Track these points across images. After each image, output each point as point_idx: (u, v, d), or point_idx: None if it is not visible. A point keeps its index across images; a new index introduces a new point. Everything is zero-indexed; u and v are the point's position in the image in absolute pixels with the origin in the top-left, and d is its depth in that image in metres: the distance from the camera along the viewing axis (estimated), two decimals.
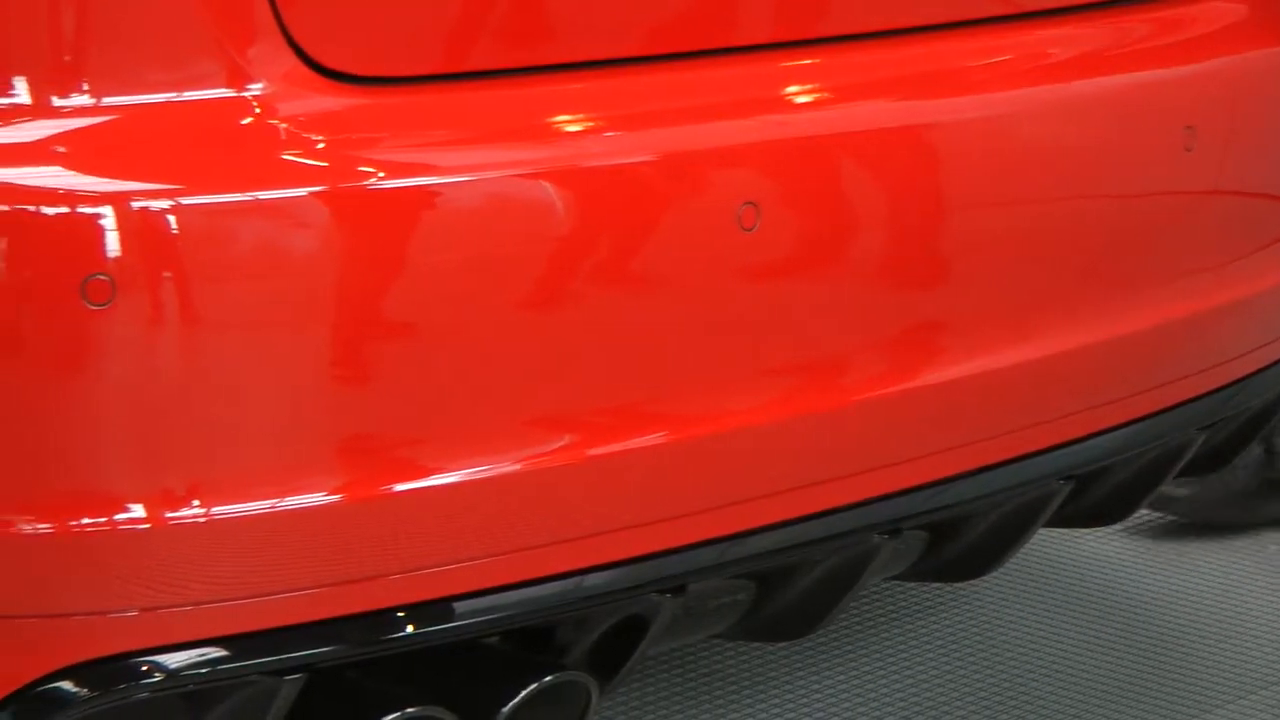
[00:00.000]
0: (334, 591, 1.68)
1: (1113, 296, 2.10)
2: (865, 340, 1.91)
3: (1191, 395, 2.20)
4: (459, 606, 1.73)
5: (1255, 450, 2.85)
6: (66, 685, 1.60)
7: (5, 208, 1.54)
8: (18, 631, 1.60)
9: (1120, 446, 2.16)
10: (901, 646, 2.75)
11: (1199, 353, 2.21)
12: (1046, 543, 3.02)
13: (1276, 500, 3.17)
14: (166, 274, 1.56)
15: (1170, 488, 2.78)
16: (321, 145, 1.66)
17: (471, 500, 1.71)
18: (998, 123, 2.04)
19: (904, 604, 2.87)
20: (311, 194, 1.64)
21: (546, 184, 1.75)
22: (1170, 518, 3.20)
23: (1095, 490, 2.22)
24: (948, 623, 2.82)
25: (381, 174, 1.67)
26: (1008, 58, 2.08)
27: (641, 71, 1.84)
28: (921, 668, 2.70)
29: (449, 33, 1.75)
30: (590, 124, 1.82)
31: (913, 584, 2.78)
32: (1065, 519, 2.36)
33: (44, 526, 1.57)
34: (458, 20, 1.75)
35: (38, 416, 1.57)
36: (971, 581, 2.64)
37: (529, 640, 1.87)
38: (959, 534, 2.10)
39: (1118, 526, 2.98)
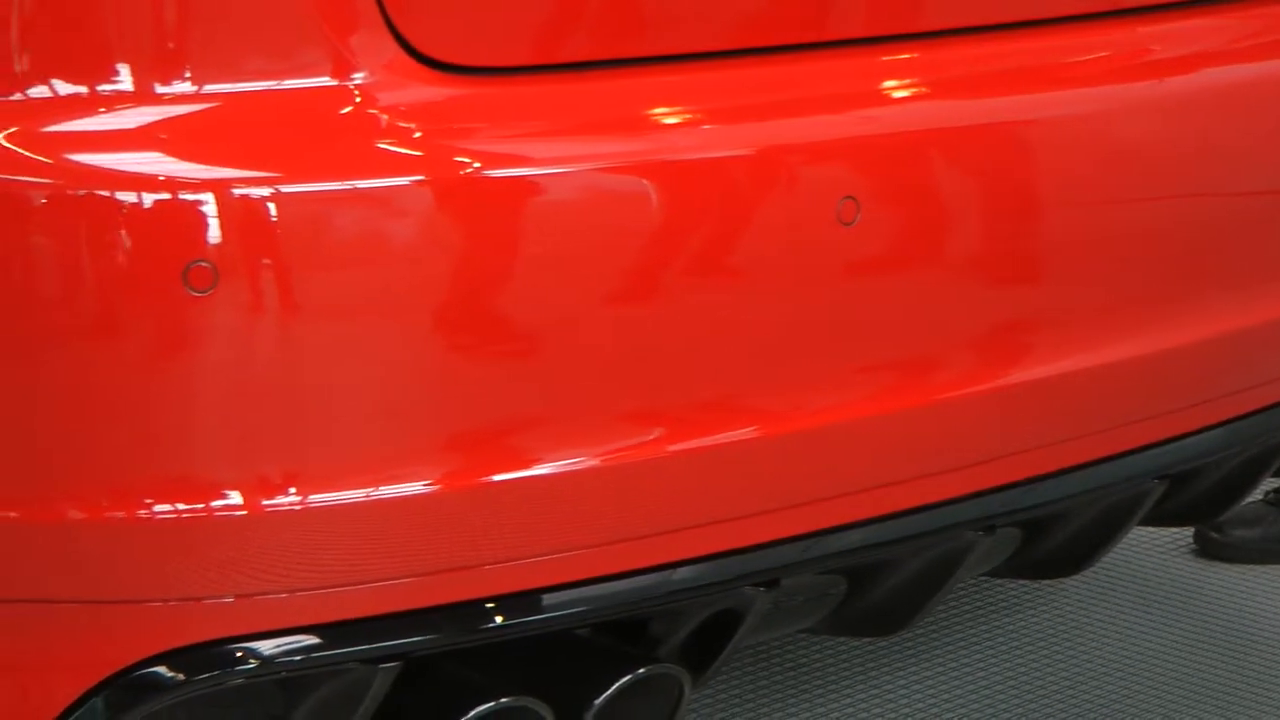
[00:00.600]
0: (429, 581, 1.67)
1: (1211, 294, 2.08)
2: (961, 337, 1.90)
3: None
4: (552, 598, 1.73)
5: None
6: (161, 670, 1.61)
7: (108, 193, 1.55)
8: (114, 616, 1.61)
9: (1217, 446, 2.13)
10: (988, 642, 2.75)
11: None
12: (1136, 541, 2.99)
13: None
14: (266, 261, 1.56)
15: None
16: (420, 134, 1.66)
17: (565, 492, 1.71)
18: (1097, 119, 2.02)
19: (991, 600, 2.86)
20: (410, 183, 1.64)
21: (644, 177, 1.74)
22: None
23: (1190, 489, 2.19)
24: (1034, 620, 2.82)
25: (478, 164, 1.66)
26: (1107, 53, 2.06)
27: (740, 65, 1.83)
28: (1007, 664, 2.69)
29: (547, 24, 1.74)
30: (688, 117, 1.82)
31: (1001, 580, 2.75)
32: (1158, 518, 2.32)
33: (141, 512, 1.57)
34: (556, 11, 1.75)
35: (136, 402, 1.57)
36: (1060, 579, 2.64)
37: (623, 633, 1.87)
38: (1053, 531, 2.08)
39: None
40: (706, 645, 1.91)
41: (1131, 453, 2.04)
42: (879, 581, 1.99)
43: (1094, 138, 2.00)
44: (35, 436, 1.58)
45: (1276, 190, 2.14)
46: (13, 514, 1.58)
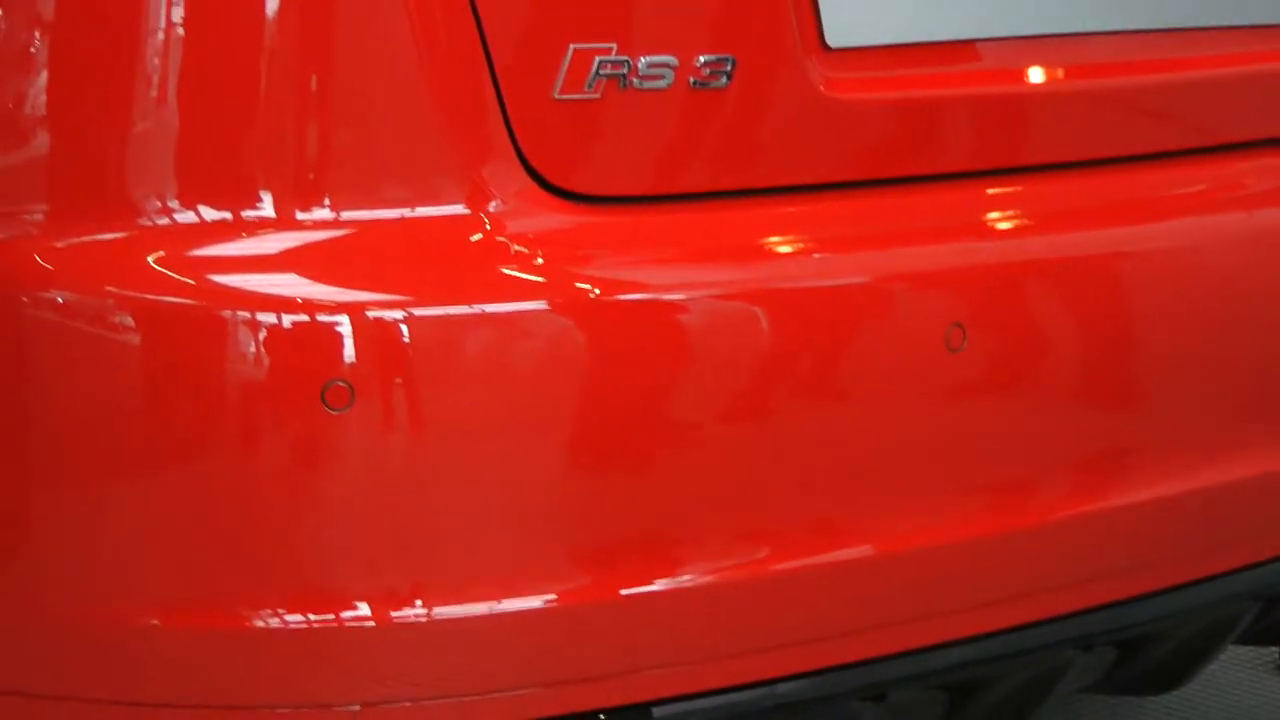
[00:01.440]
0: (548, 692, 1.68)
1: None
2: (1063, 460, 1.90)
3: None
4: (662, 710, 1.73)
5: None
6: None
7: (249, 315, 1.57)
8: None
9: None
10: None
11: None
12: (1224, 657, 2.94)
13: None
14: (399, 380, 1.58)
15: None
16: (546, 260, 1.68)
17: (676, 608, 1.71)
18: (1195, 252, 2.02)
19: (1078, 715, 2.84)
20: (535, 307, 1.66)
21: (761, 303, 1.75)
22: None
23: None
24: None
25: (600, 289, 1.68)
26: (1203, 188, 2.07)
27: (852, 196, 1.85)
28: None
29: (669, 156, 1.75)
30: (802, 246, 1.83)
31: (1089, 695, 2.72)
32: (1250, 637, 2.31)
33: (273, 621, 1.58)
34: (677, 144, 1.76)
35: (272, 515, 1.59)
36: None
37: None
38: (1149, 650, 2.07)
39: None
40: None
41: (1229, 574, 2.04)
42: (979, 697, 1.98)
43: (1187, 270, 1.99)
44: (174, 546, 1.59)
45: None
46: (154, 620, 1.59)
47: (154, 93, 1.60)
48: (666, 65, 1.70)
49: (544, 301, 1.67)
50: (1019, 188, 1.94)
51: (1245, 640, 2.29)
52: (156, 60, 1.60)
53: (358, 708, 1.63)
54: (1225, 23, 2.09)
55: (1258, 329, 2.04)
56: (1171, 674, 2.18)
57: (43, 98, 1.61)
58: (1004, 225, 1.94)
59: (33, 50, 1.60)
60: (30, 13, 1.60)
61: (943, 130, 1.92)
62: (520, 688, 1.68)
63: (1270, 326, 2.04)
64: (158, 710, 1.63)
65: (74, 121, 1.61)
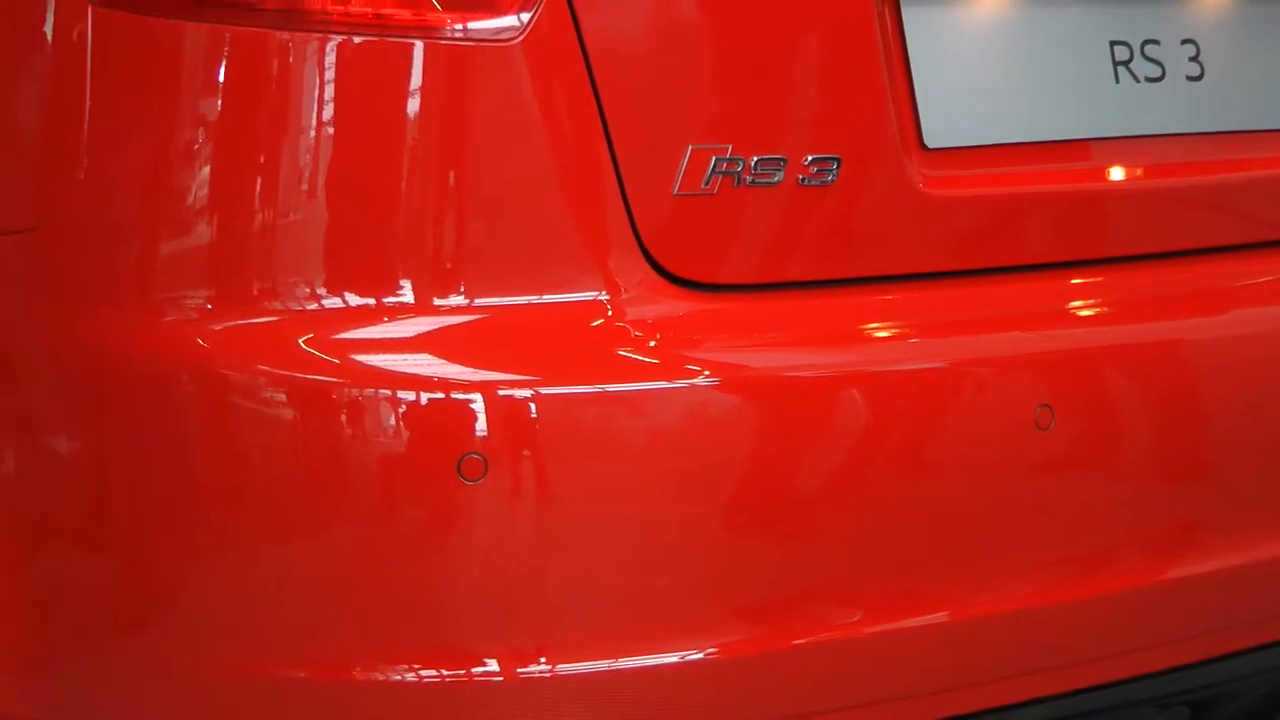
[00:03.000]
0: None
1: None
2: (1141, 532, 1.90)
3: None
4: None
5: None
6: None
7: (390, 392, 1.60)
8: None
9: None
10: None
11: None
12: None
13: None
14: (527, 454, 1.61)
15: None
16: (663, 343, 1.70)
17: (772, 668, 1.71)
18: (1260, 339, 2.02)
19: None
20: (651, 387, 1.69)
21: (861, 385, 1.77)
22: None
23: None
24: None
25: (709, 372, 1.70)
26: (1271, 279, 2.07)
27: (946, 285, 1.86)
28: None
29: (776, 248, 1.77)
30: (899, 331, 1.84)
31: None
32: None
33: (410, 676, 1.61)
34: (784, 237, 1.77)
35: (410, 579, 1.61)
36: None
37: None
38: (1217, 709, 2.09)
39: None
40: None
41: None
42: None
43: (1256, 355, 2.00)
44: (319, 605, 1.62)
45: None
46: (301, 674, 1.62)
47: (304, 189, 1.63)
48: (777, 163, 1.73)
49: (660, 382, 1.70)
50: (1099, 278, 1.95)
51: None
52: (308, 159, 1.63)
53: None
54: (1271, 126, 2.09)
55: None
56: None
57: (203, 193, 1.63)
58: (1085, 313, 1.95)
59: (195, 149, 1.63)
60: (193, 114, 1.63)
61: (1029, 224, 1.93)
62: None
63: None
64: None
65: (230, 215, 1.64)
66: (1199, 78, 2.00)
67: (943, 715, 1.84)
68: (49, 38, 1.68)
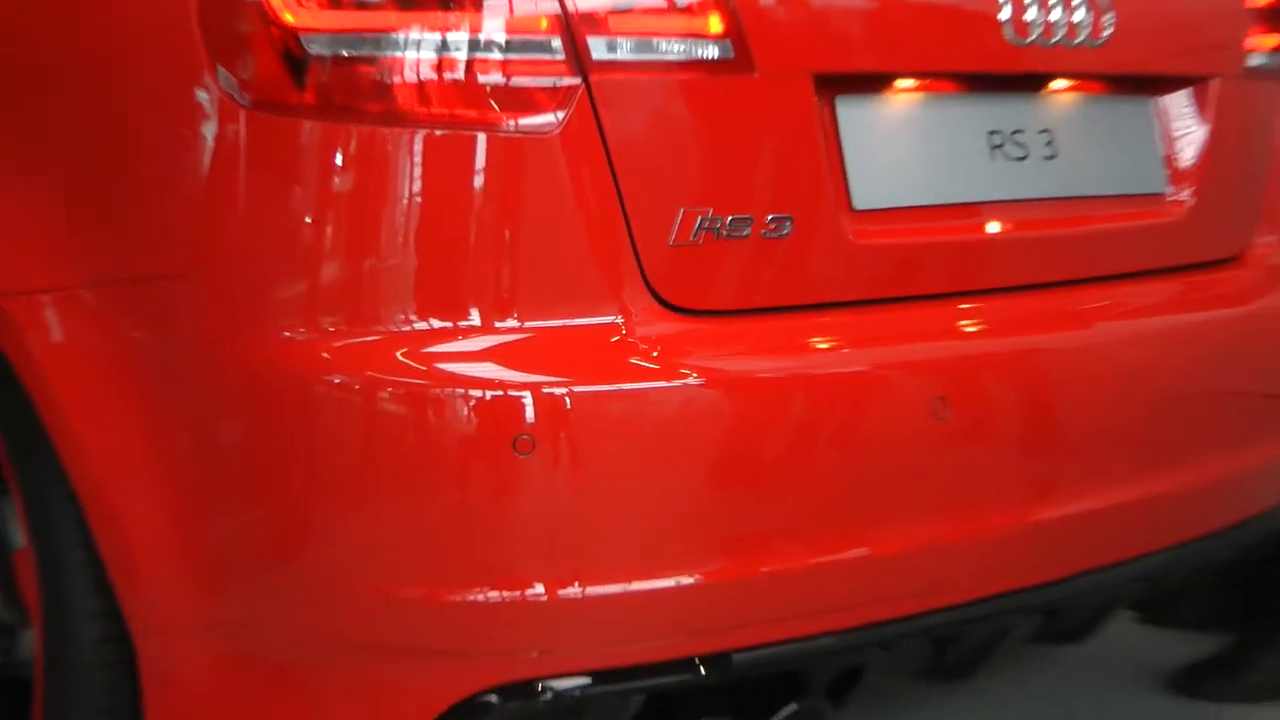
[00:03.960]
0: (660, 644, 1.75)
1: (1163, 466, 2.08)
2: (1011, 488, 1.92)
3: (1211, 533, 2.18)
4: (740, 657, 1.78)
5: None
6: (490, 699, 1.70)
7: (464, 391, 1.67)
8: (465, 664, 1.71)
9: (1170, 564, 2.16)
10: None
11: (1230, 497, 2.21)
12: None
13: None
14: (564, 434, 1.67)
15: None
16: (660, 354, 1.74)
17: (746, 589, 1.76)
18: (1105, 346, 2.05)
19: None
20: (653, 386, 1.74)
21: (808, 385, 1.80)
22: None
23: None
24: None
25: (695, 374, 1.75)
26: (1108, 303, 2.09)
27: (869, 310, 1.89)
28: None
29: (745, 283, 1.80)
30: (833, 343, 1.86)
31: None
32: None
33: (481, 597, 1.68)
34: (750, 275, 1.80)
35: (477, 528, 1.68)
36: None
37: (792, 676, 1.89)
38: (1063, 617, 2.12)
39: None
40: (840, 690, 1.96)
41: (1116, 566, 2.04)
42: (951, 648, 2.01)
43: (1097, 357, 2.03)
44: (420, 544, 1.68)
45: (1212, 393, 2.16)
46: (409, 593, 1.69)
47: (399, 242, 1.68)
48: (746, 221, 1.78)
49: (660, 382, 1.74)
50: (980, 303, 1.97)
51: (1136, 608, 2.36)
52: (402, 220, 1.69)
53: (535, 654, 1.71)
54: (1107, 191, 2.12)
55: (1136, 391, 2.04)
56: (1075, 634, 2.26)
57: (325, 246, 1.69)
58: (970, 329, 1.97)
59: (320, 214, 1.68)
60: (318, 188, 1.69)
61: (930, 265, 1.96)
62: (641, 641, 1.74)
63: (1143, 389, 2.05)
64: (406, 655, 1.71)
65: (345, 262, 1.69)
66: (1053, 157, 2.05)
67: (863, 621, 1.85)
68: (214, 129, 1.72)
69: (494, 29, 1.68)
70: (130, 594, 1.80)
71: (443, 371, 1.68)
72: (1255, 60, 2.27)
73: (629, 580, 1.70)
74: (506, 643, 1.71)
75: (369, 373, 1.67)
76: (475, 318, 1.69)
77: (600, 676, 1.73)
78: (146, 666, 1.81)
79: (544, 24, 1.68)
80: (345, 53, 1.68)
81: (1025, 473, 1.94)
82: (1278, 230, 2.34)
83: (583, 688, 1.72)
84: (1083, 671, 2.71)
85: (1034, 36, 1.96)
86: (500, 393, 1.66)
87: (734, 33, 1.75)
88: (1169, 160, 2.18)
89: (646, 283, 1.73)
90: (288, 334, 1.69)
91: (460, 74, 1.67)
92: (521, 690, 1.71)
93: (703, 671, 1.75)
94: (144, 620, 1.80)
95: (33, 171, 1.88)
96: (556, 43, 1.69)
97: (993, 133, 1.98)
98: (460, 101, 1.68)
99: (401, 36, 1.67)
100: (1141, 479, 2.04)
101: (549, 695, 1.71)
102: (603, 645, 1.73)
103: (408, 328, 1.68)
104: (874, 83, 1.91)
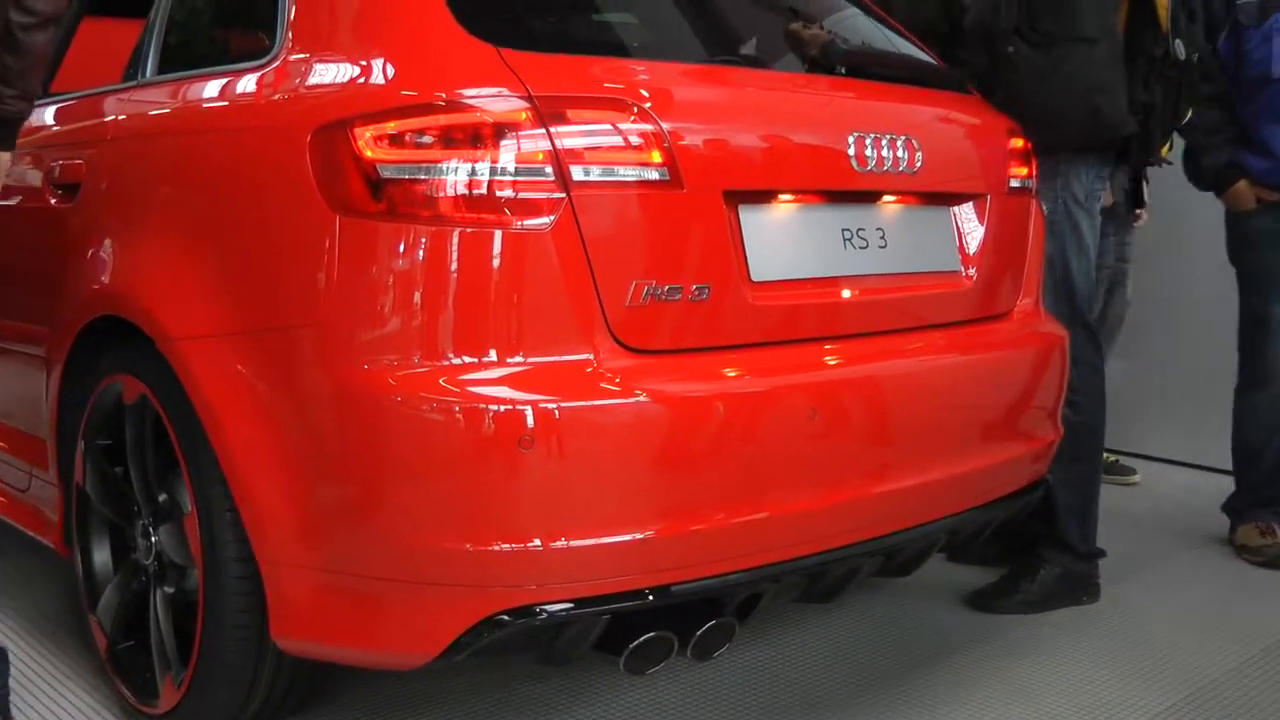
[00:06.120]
0: (623, 579, 1.62)
1: (966, 451, 1.98)
2: (859, 468, 1.81)
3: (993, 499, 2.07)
4: (680, 589, 1.65)
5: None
6: (503, 618, 1.59)
7: (485, 406, 1.56)
8: (484, 594, 1.59)
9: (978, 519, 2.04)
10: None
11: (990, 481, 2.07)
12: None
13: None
14: (555, 436, 1.56)
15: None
16: (621, 380, 1.63)
17: (685, 543, 1.63)
18: (921, 373, 1.94)
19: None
20: (617, 403, 1.61)
21: (722, 399, 1.68)
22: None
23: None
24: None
25: (645, 394, 1.62)
26: (920, 345, 1.96)
27: (765, 349, 1.76)
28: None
29: (677, 331, 1.68)
30: (739, 372, 1.72)
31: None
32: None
33: (493, 547, 1.56)
34: (681, 326, 1.69)
35: (493, 499, 1.56)
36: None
37: (712, 601, 1.76)
38: (898, 555, 1.95)
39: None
40: (746, 609, 1.83)
41: (934, 522, 1.93)
42: (821, 580, 1.87)
43: (915, 381, 1.91)
44: (453, 510, 1.56)
45: (981, 400, 2.02)
46: (450, 544, 1.56)
47: (442, 303, 1.58)
48: (678, 289, 1.69)
49: (620, 399, 1.62)
50: (839, 344, 1.87)
51: (945, 550, 2.16)
52: (444, 289, 1.58)
53: (534, 587, 1.59)
54: (921, 269, 2.00)
55: (941, 403, 1.93)
56: (906, 568, 2.06)
57: (390, 306, 1.58)
58: (832, 361, 1.85)
59: (387, 285, 1.57)
60: (387, 267, 1.57)
61: (805, 318, 1.84)
62: (607, 577, 1.61)
63: (946, 402, 1.93)
64: (449, 587, 1.59)
65: (404, 317, 1.58)
66: (885, 246, 1.94)
67: (761, 563, 1.71)
68: (316, 227, 1.63)
69: (507, 160, 1.59)
70: (259, 544, 1.71)
71: (471, 392, 1.57)
72: (1014, 183, 2.20)
73: (599, 535, 1.59)
74: (513, 579, 1.59)
75: (421, 393, 1.57)
76: (493, 355, 1.59)
77: (579, 603, 1.62)
78: (271, 594, 1.72)
79: (540, 156, 1.60)
80: (406, 177, 1.59)
81: (870, 458, 1.84)
82: (1031, 295, 2.25)
83: (567, 610, 1.61)
84: (911, 594, 2.59)
85: (871, 166, 1.88)
86: (510, 407, 1.57)
87: (669, 163, 1.67)
88: (961, 249, 2.08)
89: (611, 332, 1.64)
90: (366, 366, 1.59)
91: (484, 190, 1.59)
92: (524, 613, 1.60)
93: (651, 598, 1.65)
94: (268, 562, 1.71)
95: (196, 253, 1.79)
96: (549, 169, 1.60)
97: (844, 229, 1.89)
98: (483, 209, 1.59)
99: (444, 165, 1.59)
100: (945, 463, 1.94)
101: (543, 616, 1.60)
102: (581, 581, 1.61)
103: (445, 363, 1.58)
104: (765, 196, 1.81)
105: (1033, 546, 2.59)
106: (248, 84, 1.85)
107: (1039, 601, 2.51)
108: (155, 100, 2.03)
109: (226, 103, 1.89)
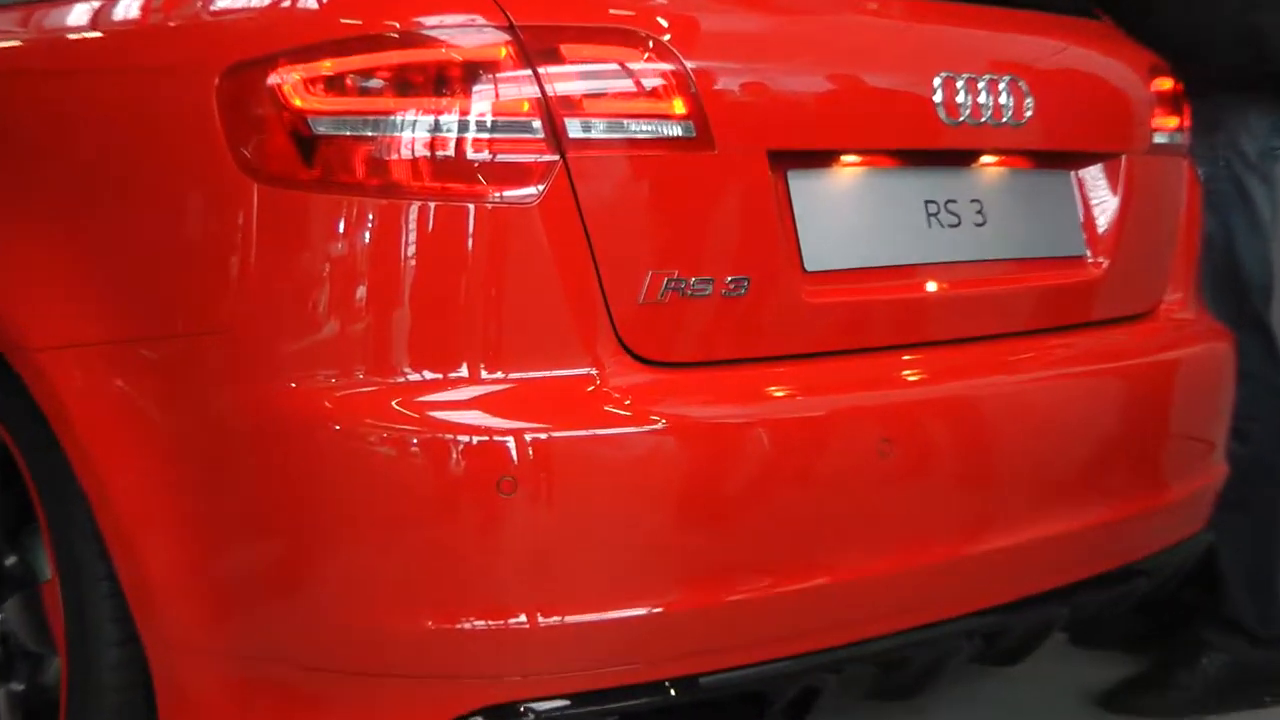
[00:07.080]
0: (635, 668, 1.70)
1: (1085, 501, 2.03)
2: (945, 521, 1.88)
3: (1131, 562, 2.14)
4: (704, 680, 1.73)
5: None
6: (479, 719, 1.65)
7: (452, 436, 1.62)
8: (454, 687, 1.66)
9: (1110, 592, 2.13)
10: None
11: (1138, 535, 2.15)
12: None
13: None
14: (544, 476, 1.62)
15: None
16: (631, 402, 1.69)
17: (710, 619, 1.71)
18: (1032, 394, 2.01)
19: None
20: (625, 432, 1.69)
21: (762, 427, 1.76)
22: None
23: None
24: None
25: (662, 421, 1.70)
26: (1032, 355, 2.06)
27: (819, 361, 1.84)
28: None
29: (707, 337, 1.77)
30: (787, 392, 1.81)
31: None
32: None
33: (468, 625, 1.62)
34: (712, 331, 1.77)
35: (466, 559, 1.62)
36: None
37: (754, 697, 1.83)
38: (998, 640, 2.04)
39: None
40: (799, 709, 1.90)
41: (1053, 591, 2.01)
42: (898, 670, 1.94)
43: (1023, 402, 1.99)
44: (410, 576, 1.62)
45: (1123, 436, 2.10)
46: (413, 623, 1.62)
47: (396, 300, 1.63)
48: (708, 282, 1.74)
49: (631, 428, 1.69)
50: (920, 355, 1.93)
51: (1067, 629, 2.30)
52: (399, 281, 1.63)
53: (519, 678, 1.66)
54: (1032, 254, 2.10)
55: (1062, 434, 2.00)
56: (1014, 655, 2.16)
57: (327, 305, 1.64)
58: (911, 378, 1.93)
59: (323, 276, 1.63)
60: (323, 253, 1.64)
61: (874, 320, 1.92)
62: (615, 665, 1.68)
63: (1069, 433, 2.02)
64: (401, 679, 1.66)
65: (345, 319, 1.64)
66: (983, 224, 2.02)
67: (817, 646, 1.79)
68: (225, 200, 1.68)
69: (481, 111, 1.64)
70: (148, 623, 1.75)
71: (433, 419, 1.62)
72: (1160, 138, 2.27)
73: (604, 610, 1.65)
74: (492, 668, 1.65)
75: (367, 420, 1.62)
76: (463, 370, 1.64)
77: (578, 699, 1.67)
78: (162, 689, 1.77)
79: (526, 106, 1.65)
80: (348, 133, 1.64)
81: (963, 507, 1.90)
82: (1184, 289, 2.33)
83: (562, 709, 1.66)
84: (1021, 691, 2.62)
85: (964, 117, 1.94)
86: (486, 438, 1.61)
87: (696, 114, 1.72)
88: (1087, 226, 2.16)
89: (618, 337, 1.69)
90: (294, 384, 1.64)
91: (450, 151, 1.64)
92: (505, 712, 1.65)
93: (673, 693, 1.70)
94: (160, 647, 1.75)
95: (61, 237, 1.83)
96: (537, 124, 1.65)
97: (929, 202, 1.96)
98: (450, 176, 1.64)
99: (398, 118, 1.64)
100: (1066, 514, 1.99)
101: (531, 717, 1.65)
102: (580, 669, 1.67)
103: (402, 379, 1.63)
104: (822, 158, 1.88)
105: (1189, 626, 2.64)
106: (130, 7, 1.90)
107: (1199, 699, 2.55)
108: None
109: (101, 33, 1.93)
